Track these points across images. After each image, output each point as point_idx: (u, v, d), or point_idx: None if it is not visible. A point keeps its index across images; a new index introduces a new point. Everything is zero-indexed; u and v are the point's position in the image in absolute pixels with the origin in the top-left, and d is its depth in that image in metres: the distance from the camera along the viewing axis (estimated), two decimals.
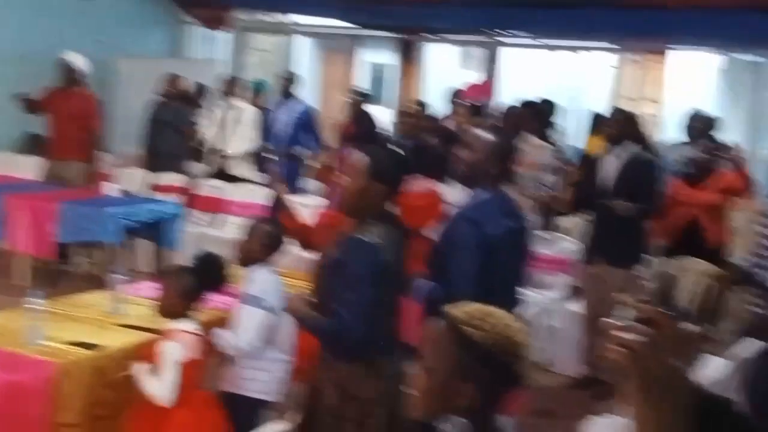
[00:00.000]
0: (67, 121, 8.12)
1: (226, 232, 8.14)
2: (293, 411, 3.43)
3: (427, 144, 6.35)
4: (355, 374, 3.23)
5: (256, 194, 8.47)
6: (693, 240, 6.34)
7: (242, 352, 4.10)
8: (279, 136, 8.90)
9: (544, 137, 7.29)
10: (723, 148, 6.80)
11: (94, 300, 4.75)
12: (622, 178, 5.71)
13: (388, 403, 3.23)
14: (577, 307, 6.26)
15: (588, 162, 6.49)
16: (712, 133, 7.87)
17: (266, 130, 8.92)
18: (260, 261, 4.18)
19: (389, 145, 3.68)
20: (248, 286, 4.14)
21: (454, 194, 5.61)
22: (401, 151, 3.82)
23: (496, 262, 3.53)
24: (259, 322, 4.03)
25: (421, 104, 8.86)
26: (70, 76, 8.20)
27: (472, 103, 9.43)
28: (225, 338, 4.10)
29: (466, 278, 3.42)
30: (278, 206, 4.64)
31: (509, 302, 3.48)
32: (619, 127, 5.82)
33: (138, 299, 4.74)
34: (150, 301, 4.69)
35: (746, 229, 8.35)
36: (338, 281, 3.22)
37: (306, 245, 4.68)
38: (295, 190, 8.54)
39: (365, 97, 9.15)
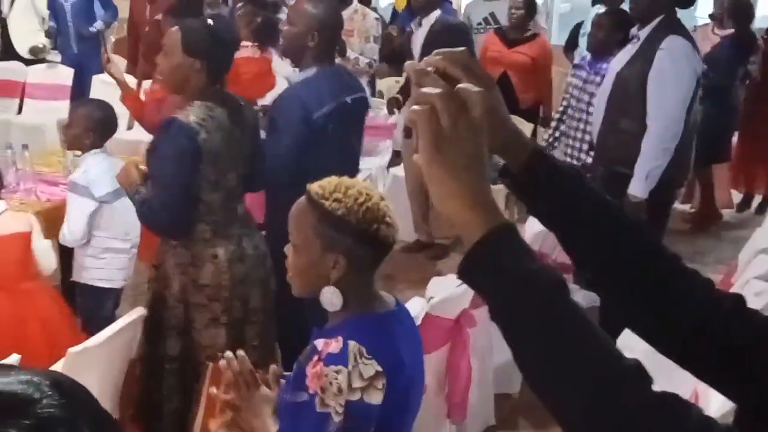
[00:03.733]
0: None
1: (30, 118, 7.71)
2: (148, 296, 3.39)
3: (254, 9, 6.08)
4: (197, 259, 3.22)
5: (57, 75, 8.02)
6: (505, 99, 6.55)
7: (72, 243, 4.06)
8: (64, 7, 8.24)
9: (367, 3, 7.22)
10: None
11: None
12: (429, 46, 5.72)
13: (237, 286, 3.25)
14: (401, 171, 6.41)
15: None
16: None
17: (52, 5, 8.25)
18: (90, 146, 4.06)
19: (209, 16, 3.56)
20: (76, 174, 4.05)
21: (284, 65, 5.53)
22: (222, 22, 3.67)
23: (326, 137, 3.55)
24: (83, 211, 3.97)
25: None
26: None
27: None
28: (60, 229, 4.02)
29: (287, 157, 3.43)
30: (121, 88, 4.46)
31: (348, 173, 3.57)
32: None
33: None
34: None
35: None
36: (151, 162, 3.18)
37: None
38: (96, 66, 8.09)
39: None
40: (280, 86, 5.15)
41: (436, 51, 1.22)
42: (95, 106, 4.20)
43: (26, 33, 8.26)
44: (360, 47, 6.14)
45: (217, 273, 3.22)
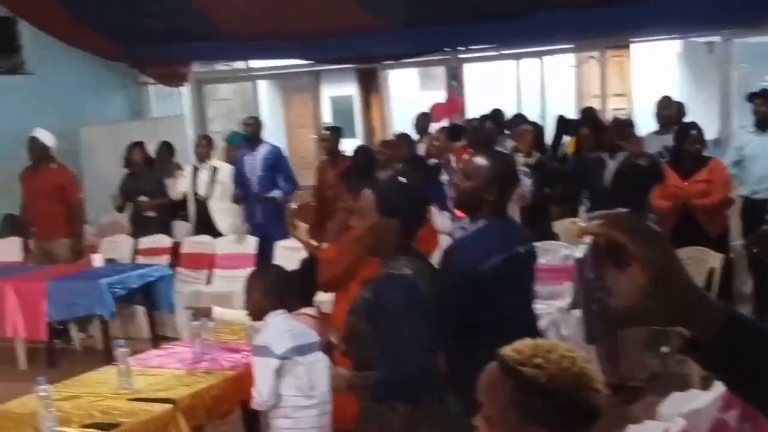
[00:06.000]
0: (44, 199, 8.05)
1: (219, 287, 8.05)
2: None
3: (407, 173, 6.29)
4: (403, 423, 3.03)
5: (242, 246, 8.40)
6: (691, 231, 6.30)
7: (263, 405, 4.05)
8: (251, 182, 8.81)
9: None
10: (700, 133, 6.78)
11: (101, 376, 4.64)
12: (620, 179, 5.71)
13: None
14: None
15: (580, 164, 6.50)
16: (683, 118, 7.95)
17: (239, 179, 8.86)
18: (269, 310, 4.11)
19: (398, 177, 3.57)
20: (257, 337, 4.11)
21: (443, 221, 5.56)
22: (413, 179, 3.69)
23: (497, 292, 3.40)
24: (269, 372, 3.96)
25: (403, 135, 8.73)
26: (40, 153, 8.12)
27: (449, 126, 9.40)
28: (251, 394, 4.06)
29: (450, 312, 3.30)
30: (308, 250, 4.57)
31: (526, 325, 3.41)
32: (615, 134, 5.90)
33: (145, 369, 4.67)
34: (157, 370, 4.65)
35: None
36: (376, 323, 3.06)
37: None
38: (279, 234, 8.50)
39: (338, 132, 9.00)
40: (443, 245, 5.15)
41: (598, 214, 1.15)
42: (266, 270, 4.34)
43: (223, 213, 8.87)
44: None
45: None
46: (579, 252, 1.12)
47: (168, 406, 4.15)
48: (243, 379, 4.44)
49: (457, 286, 3.32)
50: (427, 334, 3.01)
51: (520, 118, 9.38)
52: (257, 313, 4.17)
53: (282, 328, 4.04)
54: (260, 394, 3.99)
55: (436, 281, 3.18)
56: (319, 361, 4.07)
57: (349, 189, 4.60)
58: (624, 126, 6.69)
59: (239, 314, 4.63)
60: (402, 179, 3.31)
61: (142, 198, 8.86)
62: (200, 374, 4.53)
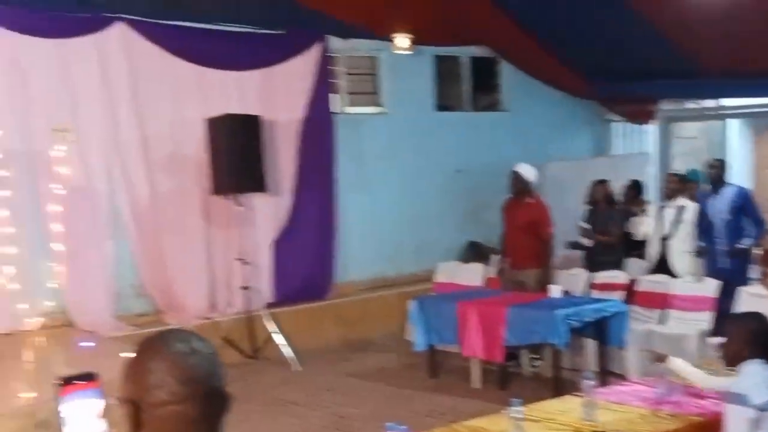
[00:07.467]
0: (519, 231, 8.46)
1: (672, 328, 7.82)
2: None
3: None
4: None
5: (701, 288, 8.08)
6: None
7: None
8: (715, 225, 8.51)
9: None
10: None
11: (564, 405, 4.72)
12: None
13: None
14: None
15: None
16: None
17: (702, 224, 8.59)
18: (748, 358, 3.94)
19: None
20: (734, 384, 3.96)
21: None
22: None
23: None
24: (744, 422, 3.81)
25: None
26: (521, 187, 8.52)
27: None
28: None
29: None
30: None
31: None
32: None
33: (607, 404, 4.65)
34: (619, 406, 4.60)
35: None
36: None
37: None
38: (743, 279, 8.08)
39: None
40: None
41: None
42: (749, 318, 4.15)
43: (683, 254, 8.66)
44: None
45: None
46: None
47: None
48: (711, 428, 4.24)
49: None
50: None
51: None
52: (733, 359, 4.02)
53: (761, 378, 3.86)
54: None
55: None
56: None
57: None
58: None
59: (696, 374, 4.41)
60: None
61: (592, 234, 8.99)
62: (664, 416, 4.43)
